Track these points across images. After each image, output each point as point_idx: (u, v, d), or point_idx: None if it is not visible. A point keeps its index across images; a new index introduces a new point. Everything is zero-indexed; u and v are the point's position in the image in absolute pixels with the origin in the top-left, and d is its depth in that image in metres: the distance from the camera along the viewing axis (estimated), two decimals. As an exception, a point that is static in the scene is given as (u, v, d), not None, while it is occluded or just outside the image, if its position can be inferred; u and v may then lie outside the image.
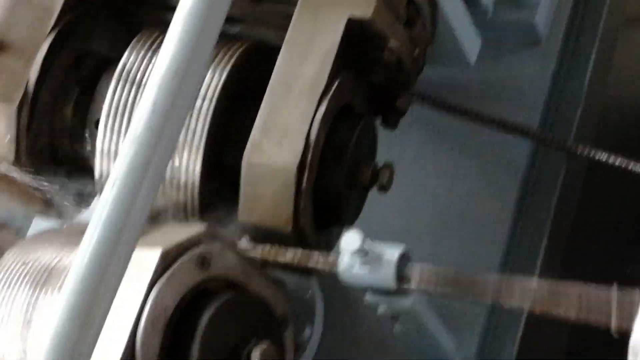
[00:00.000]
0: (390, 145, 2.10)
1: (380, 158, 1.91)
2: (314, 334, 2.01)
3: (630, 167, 1.80)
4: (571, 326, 1.88)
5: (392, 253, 1.57)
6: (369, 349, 1.98)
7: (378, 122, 1.90)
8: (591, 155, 1.89)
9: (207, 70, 1.72)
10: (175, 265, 1.51)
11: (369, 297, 1.66)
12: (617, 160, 1.83)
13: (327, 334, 2.01)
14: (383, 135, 1.94)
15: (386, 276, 1.57)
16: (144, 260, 1.51)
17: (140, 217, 1.30)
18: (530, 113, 2.10)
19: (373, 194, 1.85)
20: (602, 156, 1.86)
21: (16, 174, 1.80)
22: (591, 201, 2.13)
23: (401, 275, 1.57)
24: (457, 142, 2.12)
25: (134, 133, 1.32)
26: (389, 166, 1.79)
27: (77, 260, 1.27)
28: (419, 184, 2.11)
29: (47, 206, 1.87)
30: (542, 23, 2.12)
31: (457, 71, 2.06)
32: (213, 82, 1.75)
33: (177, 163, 1.73)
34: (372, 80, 1.78)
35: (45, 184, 1.81)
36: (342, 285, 1.76)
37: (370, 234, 1.98)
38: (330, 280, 1.71)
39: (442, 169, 2.11)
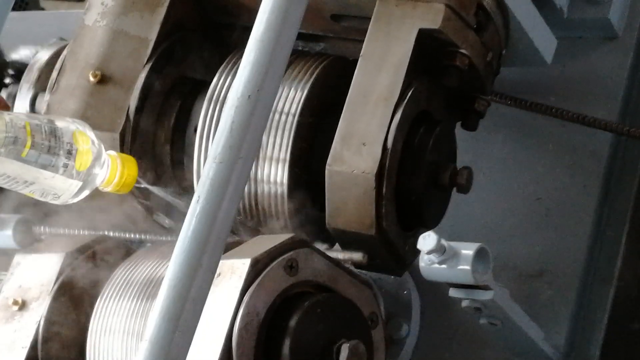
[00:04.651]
0: (478, 145, 2.19)
1: (468, 157, 1.99)
2: (411, 330, 2.10)
3: None
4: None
5: (469, 250, 1.66)
6: (463, 342, 2.07)
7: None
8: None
9: (278, 91, 1.82)
10: (264, 272, 1.63)
11: (451, 292, 1.74)
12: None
13: (424, 331, 2.11)
14: (470, 135, 2.02)
15: (464, 271, 1.65)
16: (236, 269, 1.63)
17: (223, 228, 1.43)
18: (610, 105, 2.15)
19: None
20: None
21: (155, 189, 1.94)
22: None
23: (478, 270, 1.66)
24: (542, 138, 2.18)
25: (215, 151, 1.45)
26: (467, 168, 1.86)
27: (169, 270, 1.40)
28: (508, 179, 2.18)
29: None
30: (617, 18, 2.17)
31: (537, 70, 2.12)
32: (296, 98, 1.86)
33: (266, 175, 1.84)
34: (446, 85, 1.86)
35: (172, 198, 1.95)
36: (437, 283, 1.84)
37: (460, 232, 2.08)
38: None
39: (529, 164, 2.17)
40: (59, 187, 1.63)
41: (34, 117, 1.60)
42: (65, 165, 1.61)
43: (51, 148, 1.59)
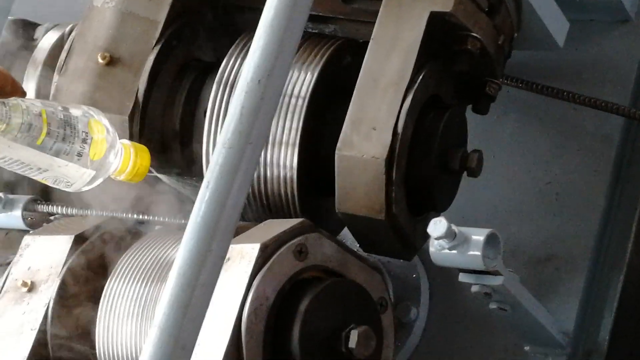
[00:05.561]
0: (489, 128, 2.18)
1: (479, 141, 1.98)
2: (420, 314, 2.10)
3: None
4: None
5: (479, 235, 1.65)
6: (472, 327, 2.06)
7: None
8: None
9: (288, 75, 1.81)
10: (274, 257, 1.63)
11: (461, 277, 1.74)
12: None
13: (433, 315, 2.10)
14: (481, 119, 2.01)
15: (474, 257, 1.65)
16: (246, 254, 1.63)
17: (233, 214, 1.41)
18: (622, 89, 2.13)
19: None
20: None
21: (166, 178, 1.93)
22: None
23: (489, 255, 1.65)
24: (553, 121, 2.17)
25: (224, 137, 1.44)
26: (477, 151, 1.85)
27: (178, 255, 1.39)
28: (518, 163, 2.16)
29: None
30: (630, 1, 2.15)
31: (548, 53, 2.10)
32: (306, 80, 1.85)
33: (275, 159, 1.83)
34: (457, 70, 1.84)
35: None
36: (446, 268, 1.83)
37: (469, 215, 2.06)
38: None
39: (540, 148, 2.16)
40: (72, 175, 1.62)
41: (50, 105, 1.59)
42: (80, 154, 1.59)
43: (66, 136, 1.58)
